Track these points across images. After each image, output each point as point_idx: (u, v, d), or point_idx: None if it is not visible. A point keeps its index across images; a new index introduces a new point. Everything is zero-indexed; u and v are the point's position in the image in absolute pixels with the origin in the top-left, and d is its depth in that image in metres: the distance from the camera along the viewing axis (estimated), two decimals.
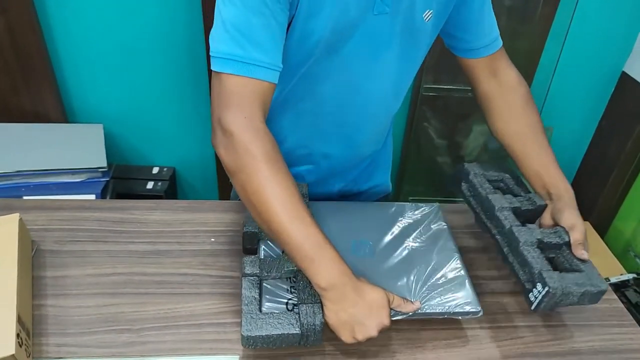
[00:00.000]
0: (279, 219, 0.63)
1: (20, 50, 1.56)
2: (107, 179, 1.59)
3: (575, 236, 0.74)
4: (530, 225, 0.76)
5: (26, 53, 1.57)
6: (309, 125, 0.87)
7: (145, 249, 0.85)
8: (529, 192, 0.83)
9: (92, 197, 1.52)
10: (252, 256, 0.74)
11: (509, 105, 0.86)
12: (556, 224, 0.78)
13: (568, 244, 0.74)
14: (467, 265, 0.86)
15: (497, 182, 0.86)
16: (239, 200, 1.02)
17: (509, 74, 0.87)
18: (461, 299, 0.72)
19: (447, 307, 0.71)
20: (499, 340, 0.74)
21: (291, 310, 0.68)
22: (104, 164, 1.57)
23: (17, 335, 0.61)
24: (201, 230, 0.90)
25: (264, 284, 0.72)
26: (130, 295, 0.76)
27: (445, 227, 0.85)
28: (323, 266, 0.63)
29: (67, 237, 0.86)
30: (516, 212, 0.79)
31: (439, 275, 0.76)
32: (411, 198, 1.99)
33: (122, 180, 1.75)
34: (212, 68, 0.67)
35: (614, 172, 1.81)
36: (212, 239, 0.88)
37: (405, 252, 0.79)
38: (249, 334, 0.63)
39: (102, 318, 0.72)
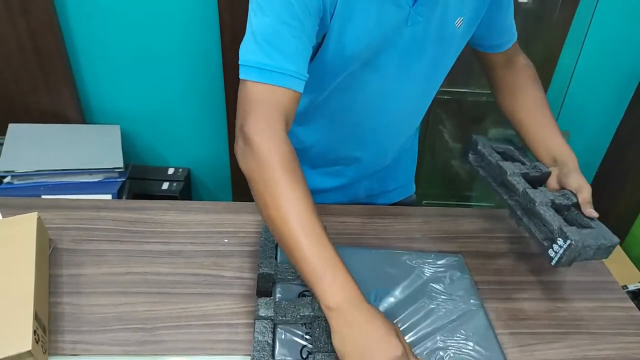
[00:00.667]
0: (293, 231, 0.60)
1: (40, 52, 1.59)
2: (124, 179, 1.61)
3: (584, 196, 0.77)
4: (541, 188, 0.79)
5: (46, 54, 1.60)
6: (341, 132, 0.88)
7: (160, 249, 0.86)
8: (534, 162, 0.86)
9: (109, 197, 1.55)
10: (267, 298, 0.72)
11: (517, 84, 0.91)
12: (562, 188, 0.80)
13: (577, 205, 0.78)
14: (474, 270, 0.86)
15: (502, 154, 0.89)
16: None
17: (519, 59, 0.93)
18: (488, 357, 0.70)
19: None
20: (510, 347, 0.74)
21: (305, 359, 0.67)
22: (121, 164, 1.59)
23: (34, 332, 0.62)
24: (215, 231, 0.90)
25: (278, 328, 0.70)
26: (144, 294, 0.77)
27: (469, 279, 0.83)
28: (333, 284, 0.59)
29: (83, 236, 0.87)
30: (525, 178, 0.82)
31: (463, 331, 0.73)
32: (425, 202, 1.98)
33: (138, 181, 1.77)
34: (240, 76, 0.66)
35: (631, 179, 1.77)
36: (226, 240, 0.89)
37: (428, 306, 0.77)
38: None
39: (117, 316, 0.73)
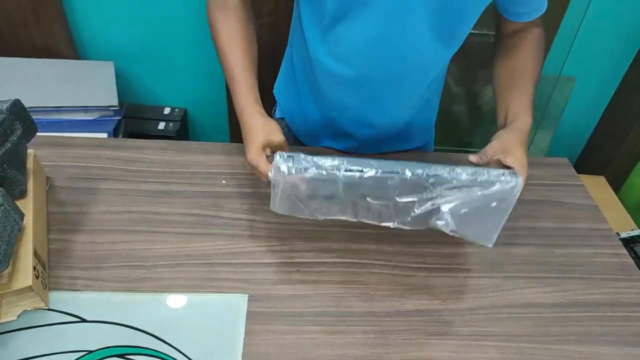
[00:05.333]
0: (220, 50, 0.79)
1: None
2: (119, 118, 1.58)
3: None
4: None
5: None
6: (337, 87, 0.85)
7: (157, 189, 0.85)
8: None
9: (104, 135, 1.52)
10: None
11: (516, 47, 0.84)
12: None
13: None
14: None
15: None
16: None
17: (534, 30, 0.84)
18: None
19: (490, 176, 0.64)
20: (504, 289, 0.75)
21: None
22: (116, 102, 1.56)
23: (34, 267, 0.63)
24: (212, 172, 0.90)
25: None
26: (143, 233, 0.78)
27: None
28: (234, 97, 0.76)
29: (80, 175, 0.86)
30: None
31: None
32: None
33: (133, 120, 1.75)
34: None
35: (635, 127, 1.76)
36: (224, 181, 0.88)
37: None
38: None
39: (116, 254, 0.74)
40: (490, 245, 0.70)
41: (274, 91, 1.04)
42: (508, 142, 0.71)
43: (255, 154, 0.71)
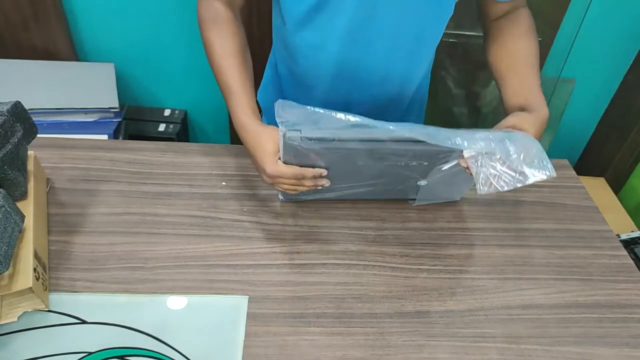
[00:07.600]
0: (214, 65, 0.79)
1: None
2: (120, 120, 1.59)
3: None
4: None
5: None
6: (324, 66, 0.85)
7: (157, 190, 0.85)
8: None
9: (105, 137, 1.53)
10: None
11: (512, 34, 0.83)
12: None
13: None
14: (473, 217, 0.86)
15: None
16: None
17: (522, 11, 0.84)
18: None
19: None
20: (504, 291, 0.75)
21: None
22: (116, 104, 1.56)
23: (34, 269, 0.63)
24: (212, 173, 0.90)
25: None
26: (143, 234, 0.78)
27: None
28: (232, 111, 0.77)
29: (80, 176, 0.86)
30: None
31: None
32: None
33: (134, 122, 1.75)
34: None
35: (635, 128, 1.76)
36: (223, 183, 0.88)
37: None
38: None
39: (116, 255, 0.74)
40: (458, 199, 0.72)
41: (258, 98, 1.03)
42: (524, 120, 0.72)
43: (273, 165, 0.72)
